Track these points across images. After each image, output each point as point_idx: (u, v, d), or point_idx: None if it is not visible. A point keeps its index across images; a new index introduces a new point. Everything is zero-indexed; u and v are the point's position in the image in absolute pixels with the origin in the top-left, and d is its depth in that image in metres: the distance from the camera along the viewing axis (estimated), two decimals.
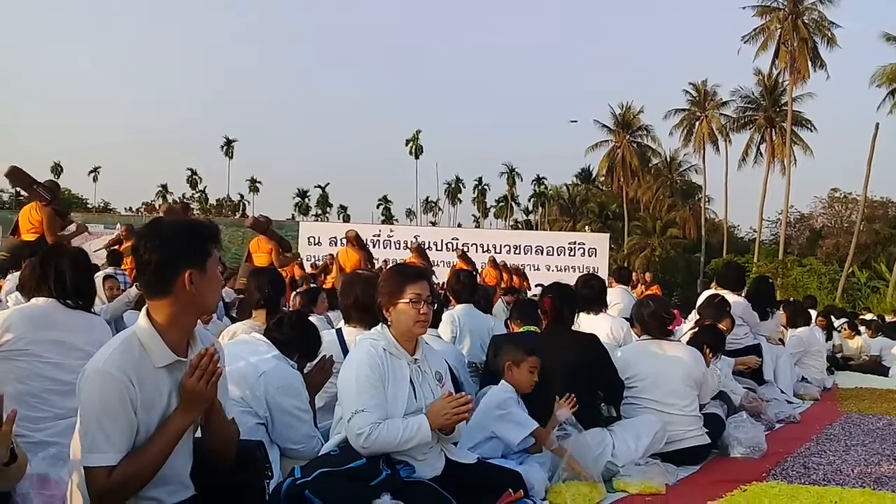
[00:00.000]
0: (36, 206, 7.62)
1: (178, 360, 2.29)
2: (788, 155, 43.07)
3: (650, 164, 58.10)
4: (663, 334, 4.66)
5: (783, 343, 7.91)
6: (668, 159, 57.74)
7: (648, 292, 13.27)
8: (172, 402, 2.28)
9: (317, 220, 77.59)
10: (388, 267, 3.49)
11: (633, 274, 15.84)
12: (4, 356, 3.11)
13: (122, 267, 9.03)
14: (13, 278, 6.20)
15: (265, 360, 3.38)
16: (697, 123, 51.48)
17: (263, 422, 3.29)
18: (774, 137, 46.64)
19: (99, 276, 7.42)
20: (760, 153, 47.54)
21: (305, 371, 3.67)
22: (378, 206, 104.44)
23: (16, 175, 7.59)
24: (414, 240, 14.33)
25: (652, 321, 4.70)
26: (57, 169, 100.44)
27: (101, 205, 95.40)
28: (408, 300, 3.14)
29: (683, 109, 52.63)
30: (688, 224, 53.28)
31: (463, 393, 3.35)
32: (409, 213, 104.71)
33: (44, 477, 2.90)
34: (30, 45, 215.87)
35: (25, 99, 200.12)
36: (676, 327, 4.88)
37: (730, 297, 6.65)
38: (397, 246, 22.52)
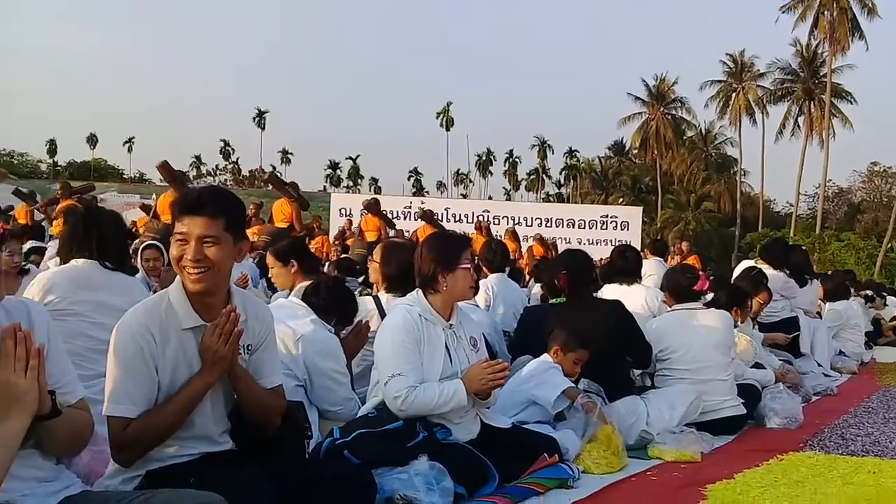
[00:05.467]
0: (286, 201, 10.00)
1: (202, 325, 2.32)
2: (827, 127, 42.23)
3: (685, 137, 57.29)
4: (691, 297, 4.62)
5: (820, 316, 7.80)
6: (704, 132, 56.92)
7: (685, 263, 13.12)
8: (196, 366, 2.32)
9: (348, 192, 77.86)
10: (435, 234, 3.52)
11: (671, 246, 15.88)
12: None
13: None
14: (54, 245, 6.32)
15: (303, 324, 3.42)
16: (734, 95, 50.58)
17: (302, 384, 3.34)
18: (813, 110, 45.71)
19: (140, 245, 7.52)
20: (798, 126, 46.69)
21: (342, 336, 3.72)
22: (409, 179, 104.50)
23: (164, 169, 8.70)
24: (419, 209, 14.23)
25: (678, 285, 4.67)
26: (92, 139, 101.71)
27: (137, 176, 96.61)
28: (466, 265, 3.20)
29: (720, 81, 51.74)
30: (722, 198, 52.61)
31: (499, 360, 3.37)
32: (440, 186, 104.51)
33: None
34: (64, 19, 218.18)
35: (61, 71, 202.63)
36: (703, 289, 4.83)
37: (768, 270, 6.56)
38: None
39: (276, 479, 2.32)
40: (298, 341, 3.35)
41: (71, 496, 1.96)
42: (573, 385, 3.80)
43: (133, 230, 9.66)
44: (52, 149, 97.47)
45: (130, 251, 5.65)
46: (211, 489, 1.99)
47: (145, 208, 11.73)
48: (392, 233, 11.41)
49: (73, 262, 3.47)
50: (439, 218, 16.43)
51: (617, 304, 4.39)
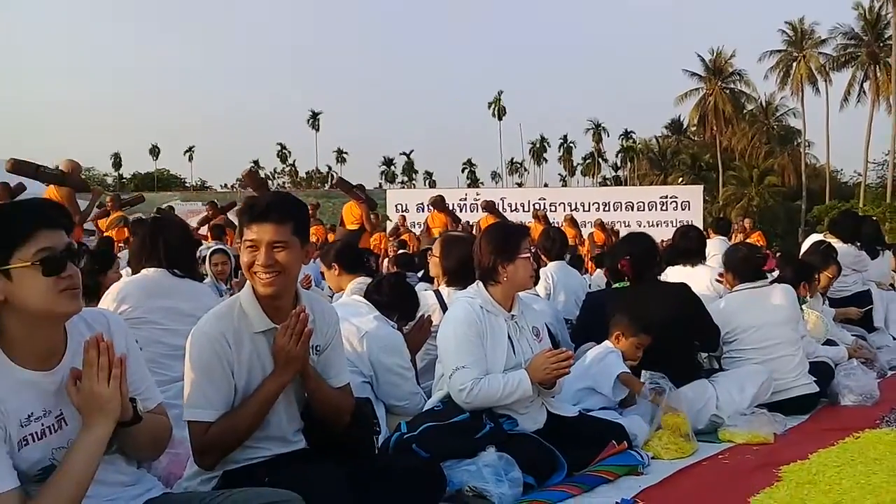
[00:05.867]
0: (355, 203, 10.18)
1: (274, 328, 2.38)
2: (895, 92, 40.46)
3: (744, 111, 55.74)
4: (758, 277, 4.51)
5: (894, 288, 7.53)
6: (764, 104, 55.28)
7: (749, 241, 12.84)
8: (270, 368, 2.39)
9: (403, 188, 78.30)
10: (493, 225, 3.53)
11: (734, 223, 15.61)
12: None
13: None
14: (124, 255, 6.51)
15: (367, 321, 3.48)
16: (795, 64, 49.00)
17: (368, 380, 3.39)
18: (879, 74, 43.96)
19: (206, 251, 7.72)
20: (864, 92, 45.01)
21: (405, 331, 3.76)
22: (463, 171, 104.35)
23: (251, 176, 9.52)
24: (484, 200, 14.26)
25: (745, 266, 4.55)
26: (155, 150, 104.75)
27: (198, 183, 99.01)
28: (526, 255, 3.21)
29: (779, 50, 50.18)
30: (787, 171, 51.08)
31: (563, 348, 3.37)
32: (495, 176, 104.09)
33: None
34: (124, 34, 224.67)
35: (124, 87, 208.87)
36: (770, 269, 4.71)
37: (837, 244, 6.36)
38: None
39: (349, 475, 2.38)
40: (363, 338, 3.41)
41: (153, 498, 2.04)
42: (627, 370, 3.77)
43: (226, 239, 9.98)
44: (118, 162, 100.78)
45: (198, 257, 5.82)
46: (286, 487, 2.06)
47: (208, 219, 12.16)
48: (459, 228, 11.46)
49: (143, 271, 3.60)
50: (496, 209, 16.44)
51: (683, 287, 4.31)
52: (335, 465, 2.42)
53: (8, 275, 1.76)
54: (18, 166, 6.91)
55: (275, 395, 2.38)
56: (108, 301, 3.45)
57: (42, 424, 1.84)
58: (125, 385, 1.88)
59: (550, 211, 19.24)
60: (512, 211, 20.57)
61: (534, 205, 21.34)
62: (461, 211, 19.63)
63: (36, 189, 7.51)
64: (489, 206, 12.21)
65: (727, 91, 54.38)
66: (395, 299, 3.68)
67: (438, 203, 12.16)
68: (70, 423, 1.88)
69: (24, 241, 1.77)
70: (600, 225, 15.51)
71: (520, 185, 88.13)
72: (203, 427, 2.31)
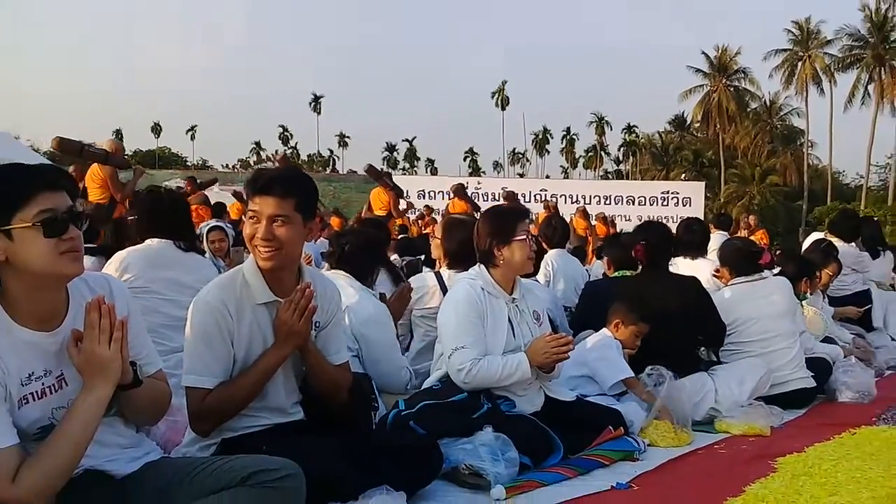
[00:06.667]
0: (383, 190, 10.33)
1: (276, 300, 2.38)
2: None
3: (748, 109, 55.56)
4: (754, 270, 4.50)
5: (894, 289, 7.53)
6: (768, 103, 55.11)
7: (753, 238, 12.86)
8: (271, 339, 2.39)
9: (405, 174, 78.19)
10: (491, 208, 3.51)
11: (740, 220, 15.85)
12: None
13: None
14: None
15: (350, 294, 3.42)
16: (800, 64, 48.87)
17: (356, 353, 3.35)
18: (884, 76, 43.83)
19: (204, 228, 7.74)
20: (868, 94, 44.89)
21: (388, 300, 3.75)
22: (465, 159, 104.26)
23: (372, 171, 10.10)
24: (477, 186, 14.40)
25: (741, 259, 4.53)
26: (157, 129, 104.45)
27: (200, 162, 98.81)
28: (522, 237, 3.18)
29: (785, 49, 50.04)
30: (789, 170, 51.00)
31: (562, 333, 3.36)
32: (497, 166, 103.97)
33: None
34: (127, 9, 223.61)
35: (124, 66, 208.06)
36: (766, 263, 4.69)
37: (839, 244, 6.35)
38: (485, 198, 22.42)
39: (346, 448, 2.38)
40: (346, 311, 3.36)
41: (152, 462, 2.05)
42: (632, 375, 3.76)
43: (227, 217, 9.93)
44: (119, 138, 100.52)
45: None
46: (284, 457, 2.05)
47: (237, 195, 12.12)
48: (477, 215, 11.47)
49: (148, 241, 3.61)
50: (497, 198, 16.41)
51: (693, 281, 4.29)
52: (333, 438, 2.43)
53: (9, 235, 1.76)
54: (64, 144, 7.05)
55: (274, 367, 2.38)
56: (111, 269, 3.47)
57: (42, 384, 1.85)
58: (126, 349, 1.88)
59: (546, 202, 19.24)
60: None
61: (535, 195, 21.36)
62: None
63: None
64: (458, 191, 12.25)
65: (731, 89, 54.24)
66: (360, 256, 3.66)
67: (459, 190, 12.26)
68: (70, 383, 1.88)
69: (26, 202, 1.76)
70: (602, 218, 15.76)
71: (521, 175, 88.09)
72: (201, 394, 2.32)
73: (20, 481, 1.72)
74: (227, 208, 11.12)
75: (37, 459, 1.76)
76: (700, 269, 5.33)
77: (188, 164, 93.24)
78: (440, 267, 4.43)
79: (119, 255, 3.59)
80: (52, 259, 1.78)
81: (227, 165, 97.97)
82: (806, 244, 6.76)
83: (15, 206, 1.75)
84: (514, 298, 3.26)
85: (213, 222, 8.51)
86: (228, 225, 8.93)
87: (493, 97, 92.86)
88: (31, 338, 1.83)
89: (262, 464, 1.97)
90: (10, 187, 1.78)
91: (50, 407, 1.85)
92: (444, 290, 4.10)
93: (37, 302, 1.84)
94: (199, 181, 11.54)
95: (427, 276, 4.28)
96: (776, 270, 5.37)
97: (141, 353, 2.03)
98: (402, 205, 11.17)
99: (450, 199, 12.87)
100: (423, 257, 6.93)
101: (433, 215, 15.46)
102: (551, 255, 5.93)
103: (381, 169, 13.27)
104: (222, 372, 2.35)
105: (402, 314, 3.92)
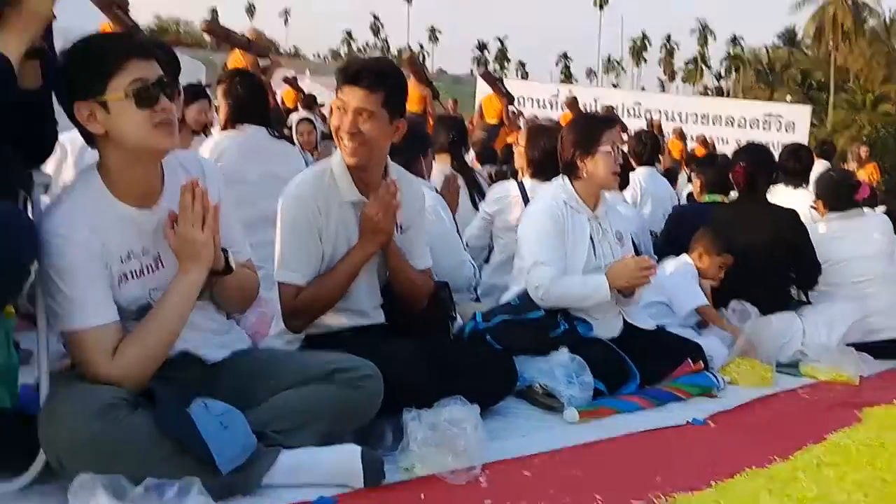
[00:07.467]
0: (496, 97, 9.99)
1: (362, 199, 2.36)
2: None
3: (865, 27, 51.48)
4: (851, 205, 4.21)
5: None
6: (888, 21, 50.84)
7: (862, 171, 12.15)
8: (355, 240, 2.38)
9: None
10: (576, 117, 3.36)
11: (848, 151, 14.89)
12: None
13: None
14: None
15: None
16: None
17: None
18: None
19: (294, 119, 7.81)
20: None
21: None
22: (557, 64, 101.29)
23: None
24: (568, 95, 13.66)
25: (835, 192, 4.24)
26: (251, 9, 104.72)
27: (292, 51, 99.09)
28: (607, 149, 3.04)
29: None
30: None
31: (645, 256, 3.25)
32: (590, 73, 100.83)
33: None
34: None
35: None
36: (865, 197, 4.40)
37: None
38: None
39: (426, 353, 2.40)
40: None
41: (240, 350, 2.11)
42: (707, 303, 3.65)
43: (282, 105, 9.92)
44: (214, 18, 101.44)
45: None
46: (364, 357, 2.08)
47: (289, 81, 11.96)
48: (512, 109, 11.02)
49: (240, 127, 3.57)
50: (586, 108, 15.87)
51: (791, 214, 4.06)
52: (412, 344, 2.44)
53: (106, 107, 1.77)
54: (212, 27, 7.51)
55: (359, 265, 2.38)
56: (205, 152, 3.44)
57: (141, 263, 1.89)
58: (218, 235, 1.90)
59: (644, 118, 18.48)
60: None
61: (628, 109, 20.58)
62: (552, 108, 19.02)
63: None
64: (572, 105, 11.74)
65: (849, 2, 50.17)
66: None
67: (573, 104, 11.81)
68: (166, 265, 1.92)
69: (118, 70, 1.76)
70: (703, 141, 14.96)
71: (615, 86, 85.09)
72: (293, 290, 2.34)
73: (120, 358, 1.79)
74: (282, 96, 10.95)
75: (136, 338, 1.82)
76: (799, 199, 5.06)
77: (281, 51, 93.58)
78: (523, 176, 4.32)
79: (212, 140, 3.60)
80: (146, 131, 1.79)
81: (317, 55, 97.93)
82: None
83: (108, 73, 1.76)
84: (597, 216, 3.14)
85: (303, 113, 8.60)
86: (318, 118, 9.01)
87: None
88: (129, 213, 1.86)
89: (345, 362, 2.01)
90: (102, 55, 1.78)
91: (147, 287, 1.90)
92: (526, 200, 4.01)
93: (134, 176, 1.86)
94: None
95: (509, 185, 4.18)
96: (881, 209, 5.06)
97: (231, 241, 2.04)
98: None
99: (562, 112, 12.45)
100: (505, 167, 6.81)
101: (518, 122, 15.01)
102: (640, 174, 5.71)
103: (495, 73, 12.91)
104: (313, 268, 2.36)
105: (457, 204, 3.85)
